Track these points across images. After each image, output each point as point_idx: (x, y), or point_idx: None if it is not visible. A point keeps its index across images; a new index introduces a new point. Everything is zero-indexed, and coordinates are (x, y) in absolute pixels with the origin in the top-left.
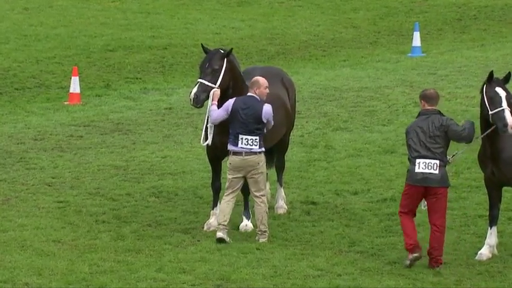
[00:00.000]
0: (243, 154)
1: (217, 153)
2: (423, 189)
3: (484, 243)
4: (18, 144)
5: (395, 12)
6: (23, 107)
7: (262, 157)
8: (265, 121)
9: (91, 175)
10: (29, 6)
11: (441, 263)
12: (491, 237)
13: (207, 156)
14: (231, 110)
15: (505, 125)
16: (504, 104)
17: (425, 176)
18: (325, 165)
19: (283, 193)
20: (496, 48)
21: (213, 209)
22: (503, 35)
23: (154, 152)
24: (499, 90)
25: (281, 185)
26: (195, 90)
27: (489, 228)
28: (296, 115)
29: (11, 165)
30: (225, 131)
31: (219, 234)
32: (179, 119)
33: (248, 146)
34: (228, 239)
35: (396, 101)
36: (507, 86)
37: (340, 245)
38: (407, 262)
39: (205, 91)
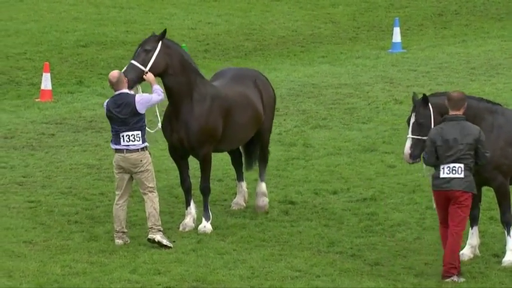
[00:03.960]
0: (125, 152)
1: (177, 152)
2: (448, 194)
3: (466, 244)
4: None
5: (375, 7)
6: None
7: (146, 154)
8: (143, 112)
9: (63, 174)
10: None
11: (450, 275)
12: (473, 237)
13: (170, 156)
14: (107, 113)
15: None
16: (409, 132)
17: (449, 180)
18: (304, 164)
19: (264, 188)
20: (478, 44)
21: (186, 209)
22: (485, 31)
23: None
24: (411, 116)
25: (262, 180)
26: (124, 69)
27: (470, 228)
28: (275, 113)
29: None
30: (181, 128)
31: (118, 242)
32: (154, 117)
33: (130, 143)
34: (128, 241)
35: (376, 98)
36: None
37: (319, 246)
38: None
39: (133, 71)
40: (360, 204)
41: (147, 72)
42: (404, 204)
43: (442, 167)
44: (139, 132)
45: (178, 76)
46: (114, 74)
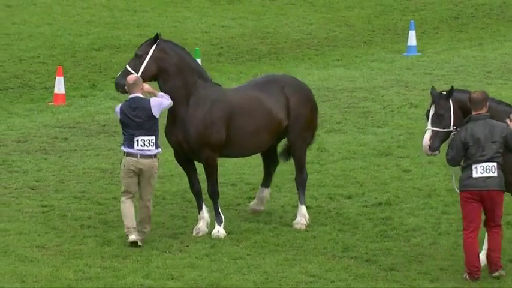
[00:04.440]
0: (138, 157)
1: (180, 155)
2: (484, 194)
3: (482, 248)
4: (0, 146)
5: (390, 10)
6: (5, 108)
7: (157, 161)
8: (157, 115)
9: (76, 178)
10: (11, 3)
11: (498, 268)
12: (486, 241)
13: (176, 161)
14: (121, 117)
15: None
16: (429, 124)
17: (485, 180)
18: (318, 168)
19: (303, 211)
20: (494, 48)
21: (199, 213)
22: (502, 34)
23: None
24: (431, 108)
25: (301, 203)
26: (117, 75)
27: (487, 233)
28: (313, 124)
29: None
30: (179, 131)
31: (132, 238)
32: None
33: (145, 148)
34: (140, 242)
35: (391, 102)
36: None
37: (334, 251)
38: (465, 275)
39: (126, 77)
40: (374, 208)
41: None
42: (419, 209)
43: (474, 166)
44: (153, 137)
45: (173, 80)
46: (132, 77)
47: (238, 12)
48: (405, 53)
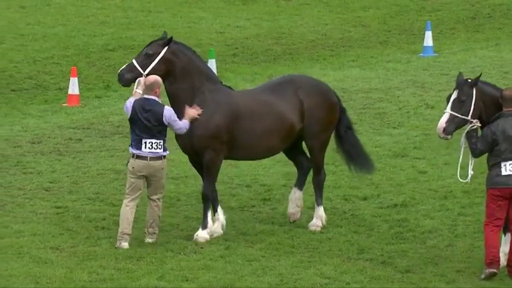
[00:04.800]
0: (148, 159)
1: (193, 158)
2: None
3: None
4: (14, 147)
5: (406, 10)
6: (19, 109)
7: (165, 161)
8: (166, 123)
9: (90, 179)
10: (25, 4)
11: None
12: (506, 244)
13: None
14: (131, 113)
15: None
16: (448, 107)
17: None
18: (333, 169)
19: (320, 212)
20: (511, 48)
21: (214, 215)
22: None
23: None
24: (453, 92)
25: (318, 204)
26: (122, 67)
27: (503, 235)
28: (330, 127)
29: (7, 169)
30: (185, 134)
31: (124, 245)
32: None
33: (153, 150)
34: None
35: (407, 103)
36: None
37: (349, 252)
38: (483, 276)
39: (131, 72)
40: (390, 210)
41: (145, 76)
42: (435, 211)
43: (503, 164)
44: (161, 140)
45: (180, 82)
46: (152, 77)
47: (253, 12)
48: (421, 54)
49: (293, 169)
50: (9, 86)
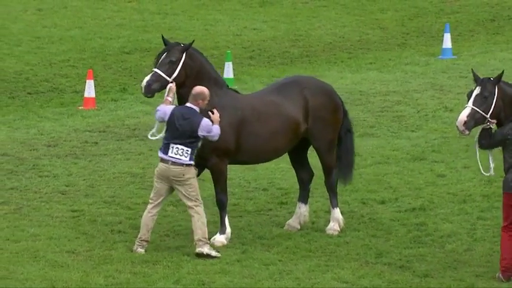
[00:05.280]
0: (169, 163)
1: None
2: None
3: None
4: (30, 150)
5: (424, 12)
6: (35, 112)
7: (191, 170)
8: (201, 135)
9: (106, 183)
10: (42, 7)
11: None
12: None
13: None
14: (168, 119)
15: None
16: (470, 102)
17: None
18: None
19: (336, 214)
20: None
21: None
22: None
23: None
24: (475, 89)
25: (333, 206)
26: (147, 78)
27: None
28: (336, 125)
29: (23, 172)
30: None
31: (141, 251)
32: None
33: (177, 156)
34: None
35: (425, 106)
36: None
37: (367, 257)
38: (498, 276)
39: (158, 81)
40: (408, 214)
41: (172, 82)
42: (454, 215)
43: None
44: (189, 149)
45: (190, 86)
46: (199, 88)
47: (270, 14)
48: (440, 56)
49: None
50: (25, 89)
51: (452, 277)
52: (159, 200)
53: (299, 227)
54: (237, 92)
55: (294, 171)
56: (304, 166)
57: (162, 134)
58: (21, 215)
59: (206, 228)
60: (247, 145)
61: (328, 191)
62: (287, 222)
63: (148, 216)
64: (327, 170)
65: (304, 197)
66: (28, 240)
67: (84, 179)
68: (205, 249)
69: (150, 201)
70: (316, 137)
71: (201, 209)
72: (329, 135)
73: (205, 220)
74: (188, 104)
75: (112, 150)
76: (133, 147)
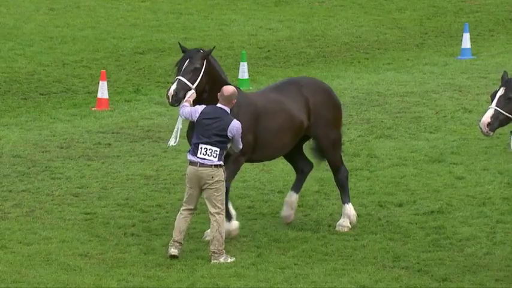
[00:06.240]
0: (198, 165)
1: None
2: None
3: None
4: (43, 152)
5: (443, 12)
6: (48, 113)
7: (220, 172)
8: (230, 136)
9: (120, 185)
10: (54, 6)
11: None
12: None
13: None
14: (198, 117)
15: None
16: (494, 103)
17: None
18: (368, 175)
19: (347, 210)
20: None
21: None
22: None
23: (186, 160)
24: (499, 89)
25: (343, 202)
26: (174, 87)
27: None
28: (338, 122)
29: (35, 174)
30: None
31: (173, 251)
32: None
33: (206, 157)
34: (178, 255)
35: (444, 107)
36: None
37: (384, 260)
38: None
39: (184, 89)
40: (426, 217)
41: (195, 89)
42: (473, 218)
43: None
44: (218, 149)
45: (207, 93)
46: (231, 88)
47: (286, 14)
48: (459, 56)
49: (327, 174)
50: (37, 90)
51: (472, 281)
52: (190, 206)
53: (293, 213)
54: (239, 89)
55: (291, 163)
56: (304, 157)
57: (177, 141)
58: (33, 217)
59: (223, 239)
60: (261, 140)
61: (337, 187)
62: (281, 215)
63: (180, 218)
64: (335, 167)
65: (297, 187)
66: (40, 243)
67: (97, 181)
68: (221, 260)
69: (183, 204)
70: (319, 135)
71: (222, 218)
72: (332, 133)
73: (223, 230)
74: (219, 105)
75: (125, 152)
76: (146, 149)
